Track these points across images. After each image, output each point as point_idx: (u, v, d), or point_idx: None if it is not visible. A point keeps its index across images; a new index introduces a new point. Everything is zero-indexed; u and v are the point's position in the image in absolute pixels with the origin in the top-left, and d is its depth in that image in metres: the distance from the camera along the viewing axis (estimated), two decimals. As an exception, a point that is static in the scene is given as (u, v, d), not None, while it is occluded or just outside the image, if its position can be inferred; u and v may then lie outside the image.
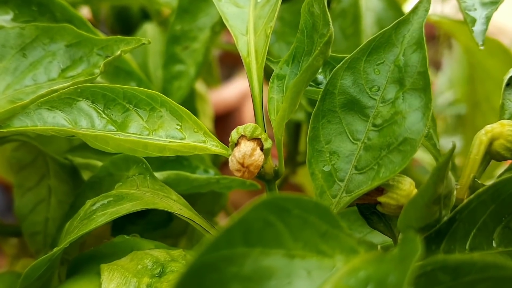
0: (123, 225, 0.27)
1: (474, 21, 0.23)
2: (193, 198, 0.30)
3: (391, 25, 0.17)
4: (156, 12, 0.39)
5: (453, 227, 0.16)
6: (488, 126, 0.18)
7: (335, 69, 0.18)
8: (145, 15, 0.42)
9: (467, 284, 0.12)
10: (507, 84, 0.22)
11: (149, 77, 0.36)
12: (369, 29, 0.31)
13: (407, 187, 0.16)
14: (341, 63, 0.18)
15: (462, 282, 0.12)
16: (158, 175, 0.24)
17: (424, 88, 0.16)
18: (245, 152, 0.17)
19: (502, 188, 0.16)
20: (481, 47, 0.22)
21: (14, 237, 0.31)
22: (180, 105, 0.34)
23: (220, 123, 0.64)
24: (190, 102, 0.36)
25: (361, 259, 0.13)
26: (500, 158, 0.18)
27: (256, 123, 0.20)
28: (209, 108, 0.50)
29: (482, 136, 0.18)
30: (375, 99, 0.17)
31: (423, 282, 0.13)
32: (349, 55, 0.18)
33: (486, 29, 0.23)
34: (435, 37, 1.21)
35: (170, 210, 0.18)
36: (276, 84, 0.20)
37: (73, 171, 0.26)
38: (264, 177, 0.20)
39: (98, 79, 0.23)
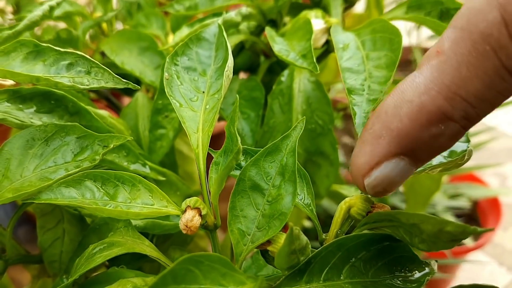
0: (118, 256, 0.37)
1: (355, 114, 0.33)
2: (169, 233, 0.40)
3: (280, 137, 0.28)
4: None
5: (311, 267, 0.26)
6: (348, 198, 0.29)
7: (245, 165, 0.28)
8: (139, 82, 0.52)
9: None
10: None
11: (139, 136, 0.46)
12: (299, 107, 0.41)
13: (282, 241, 0.26)
14: (249, 161, 0.28)
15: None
16: (140, 222, 0.35)
17: (294, 181, 0.26)
18: (188, 219, 0.27)
19: (344, 242, 0.27)
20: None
21: (37, 264, 0.41)
22: (163, 158, 0.44)
23: (217, 140, 0.75)
24: (171, 155, 0.47)
25: None
26: (356, 219, 0.29)
27: (202, 191, 0.31)
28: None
29: (342, 205, 0.28)
30: (268, 184, 0.28)
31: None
32: (254, 156, 0.28)
33: (364, 123, 0.33)
34: (411, 62, 1.31)
35: (144, 253, 0.29)
36: (214, 168, 0.30)
37: (81, 219, 0.36)
38: (207, 228, 0.30)
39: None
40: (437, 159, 0.32)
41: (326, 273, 0.26)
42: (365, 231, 0.28)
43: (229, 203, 0.28)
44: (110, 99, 0.54)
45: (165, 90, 0.33)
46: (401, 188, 0.73)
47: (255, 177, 0.28)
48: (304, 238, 0.25)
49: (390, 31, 0.35)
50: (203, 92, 0.34)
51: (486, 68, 0.19)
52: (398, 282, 0.27)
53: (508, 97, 0.20)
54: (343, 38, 0.37)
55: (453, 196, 1.09)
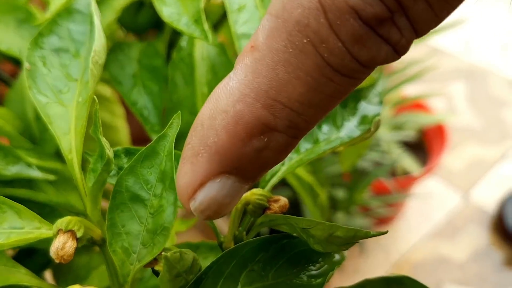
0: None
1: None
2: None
3: (155, 138, 0.24)
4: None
5: (203, 282, 0.23)
6: (243, 195, 0.25)
7: (120, 174, 0.24)
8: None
9: None
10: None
11: (28, 125, 0.41)
12: (203, 78, 0.36)
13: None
14: (123, 170, 0.24)
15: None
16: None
17: (174, 189, 0.23)
18: (58, 247, 0.23)
19: (236, 250, 0.24)
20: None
21: None
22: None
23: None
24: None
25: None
26: (252, 216, 0.26)
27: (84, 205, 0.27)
28: (118, 108, 0.56)
29: (238, 204, 0.25)
30: (150, 193, 0.24)
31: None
32: (129, 163, 0.24)
33: None
34: None
35: (21, 283, 0.25)
36: (92, 176, 0.26)
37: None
38: (96, 243, 0.26)
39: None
40: (345, 133, 0.29)
41: (221, 285, 0.23)
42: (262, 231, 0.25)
43: (106, 221, 0.24)
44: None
45: (27, 84, 0.28)
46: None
47: (133, 187, 0.24)
48: (190, 256, 0.22)
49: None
50: (76, 79, 0.29)
51: (307, 67, 0.15)
52: (302, 279, 0.24)
53: (343, 97, 0.16)
54: (238, -3, 0.32)
55: (398, 127, 1.09)
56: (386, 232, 0.20)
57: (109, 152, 0.23)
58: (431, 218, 1.14)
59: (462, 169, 1.24)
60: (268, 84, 0.16)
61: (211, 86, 0.37)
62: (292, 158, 0.28)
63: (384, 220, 1.12)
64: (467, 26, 1.60)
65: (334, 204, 0.84)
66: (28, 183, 0.34)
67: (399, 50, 0.16)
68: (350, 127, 0.30)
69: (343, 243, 0.21)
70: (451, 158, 1.28)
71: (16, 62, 0.49)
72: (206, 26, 0.31)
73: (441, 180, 1.22)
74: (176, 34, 0.46)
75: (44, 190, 0.34)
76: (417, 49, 1.40)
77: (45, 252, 0.34)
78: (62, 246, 0.23)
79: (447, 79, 1.48)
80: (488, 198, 1.16)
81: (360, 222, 0.88)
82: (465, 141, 1.31)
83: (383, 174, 0.91)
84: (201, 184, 0.18)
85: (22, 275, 0.26)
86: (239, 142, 0.17)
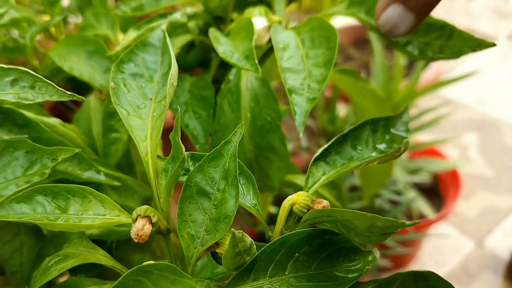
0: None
1: (295, 114, 0.34)
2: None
3: (222, 143, 0.29)
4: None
5: (257, 265, 0.27)
6: (290, 196, 0.30)
7: (190, 172, 0.29)
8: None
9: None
10: (317, 159, 0.34)
11: (93, 140, 0.47)
12: (247, 105, 0.42)
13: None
14: (194, 168, 0.29)
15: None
16: (96, 230, 0.36)
17: (236, 185, 0.28)
18: (138, 228, 0.28)
19: (287, 239, 0.28)
20: (301, 135, 0.34)
21: (1, 275, 0.41)
22: (119, 160, 0.45)
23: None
24: (127, 156, 0.47)
25: (194, 291, 0.25)
26: (298, 215, 0.30)
27: (153, 198, 0.32)
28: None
29: (285, 203, 0.30)
30: (214, 188, 0.29)
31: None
32: (199, 162, 0.29)
33: (305, 121, 0.34)
34: (367, 40, 1.34)
35: (99, 262, 0.30)
36: (163, 175, 0.31)
37: (37, 229, 0.37)
38: (161, 233, 0.31)
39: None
40: (376, 154, 0.34)
41: (271, 269, 0.28)
42: (306, 228, 0.29)
43: (177, 209, 0.29)
44: (64, 102, 0.54)
45: (112, 100, 0.33)
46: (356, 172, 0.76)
47: (200, 183, 0.29)
48: (248, 240, 0.27)
49: (327, 29, 0.37)
50: (151, 98, 0.35)
51: None
52: (341, 272, 0.28)
53: None
54: (283, 38, 0.38)
55: (414, 171, 1.13)
56: (419, 223, 0.25)
57: (185, 153, 0.28)
58: (446, 264, 1.15)
59: (476, 217, 1.27)
60: None
61: (254, 112, 0.43)
62: (330, 171, 0.33)
63: (401, 263, 1.13)
64: (480, 78, 1.66)
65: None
66: (97, 187, 0.39)
67: None
68: (380, 150, 0.35)
69: (382, 232, 0.25)
70: (464, 205, 1.30)
71: (80, 89, 0.55)
72: (256, 61, 0.37)
73: (455, 226, 1.24)
74: (219, 72, 0.52)
75: (109, 194, 0.39)
76: (430, 100, 1.46)
77: (107, 246, 0.39)
78: (142, 227, 0.28)
79: (460, 129, 1.52)
80: (502, 246, 1.18)
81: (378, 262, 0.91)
82: (478, 189, 1.34)
83: (400, 214, 0.94)
84: (383, 10, 0.34)
85: (100, 256, 0.31)
86: None
